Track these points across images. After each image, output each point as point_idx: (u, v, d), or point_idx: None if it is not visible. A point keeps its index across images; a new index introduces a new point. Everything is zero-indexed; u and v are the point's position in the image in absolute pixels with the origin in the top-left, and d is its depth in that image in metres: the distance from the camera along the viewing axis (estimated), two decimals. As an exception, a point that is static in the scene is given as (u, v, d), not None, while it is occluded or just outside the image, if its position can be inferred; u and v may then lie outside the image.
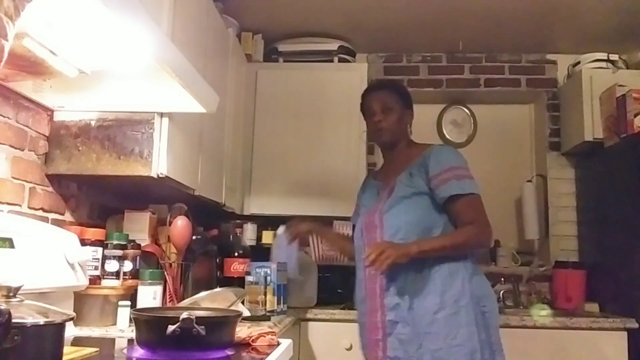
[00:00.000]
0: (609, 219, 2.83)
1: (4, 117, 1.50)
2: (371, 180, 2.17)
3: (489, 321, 1.85)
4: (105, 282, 1.70)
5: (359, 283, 1.99)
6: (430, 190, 1.87)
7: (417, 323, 1.80)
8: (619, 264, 2.70)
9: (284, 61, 3.17)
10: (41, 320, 0.85)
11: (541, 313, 2.71)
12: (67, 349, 1.10)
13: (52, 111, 1.72)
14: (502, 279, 3.12)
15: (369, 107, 2.04)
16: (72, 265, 1.49)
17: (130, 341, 1.45)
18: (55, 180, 1.75)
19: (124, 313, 1.61)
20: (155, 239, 2.00)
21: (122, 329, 1.61)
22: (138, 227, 1.96)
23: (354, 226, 2.13)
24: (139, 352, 1.24)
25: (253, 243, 2.83)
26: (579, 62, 3.15)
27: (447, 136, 3.57)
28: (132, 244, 1.82)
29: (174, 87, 1.43)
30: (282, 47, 3.17)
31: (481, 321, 1.81)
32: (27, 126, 1.61)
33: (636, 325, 2.46)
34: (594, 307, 2.77)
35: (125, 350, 1.39)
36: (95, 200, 1.99)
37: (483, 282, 1.92)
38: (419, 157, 1.94)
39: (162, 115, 1.73)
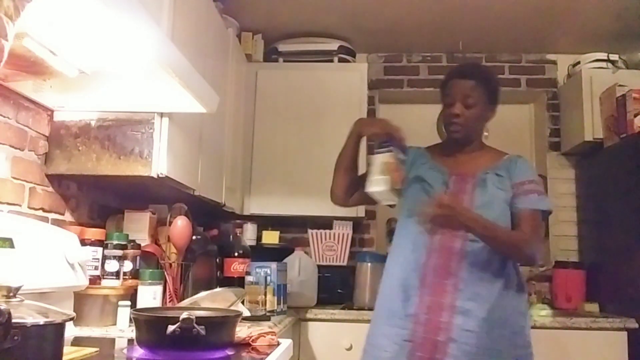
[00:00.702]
0: (609, 219, 2.83)
1: (4, 117, 1.50)
2: (427, 157, 1.93)
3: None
4: (105, 282, 1.70)
5: (415, 268, 1.75)
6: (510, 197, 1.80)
7: (484, 336, 1.66)
8: (619, 264, 2.69)
9: (284, 61, 3.16)
10: (41, 320, 0.85)
11: (541, 313, 2.70)
12: (67, 349, 1.10)
13: (52, 111, 1.72)
14: (502, 279, 3.12)
15: (449, 94, 1.85)
16: (72, 265, 1.49)
17: (130, 341, 1.45)
18: (55, 180, 1.75)
19: (124, 313, 1.61)
20: (155, 239, 2.00)
21: (122, 329, 1.61)
22: (138, 227, 1.96)
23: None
24: (139, 352, 1.24)
25: (253, 243, 2.83)
26: (579, 62, 3.15)
27: (440, 135, 3.57)
28: (132, 244, 1.82)
29: (174, 87, 1.43)
30: (282, 47, 3.17)
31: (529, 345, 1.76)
32: (27, 126, 1.61)
33: (636, 325, 2.46)
34: (594, 307, 2.76)
35: (125, 350, 1.39)
36: (95, 200, 1.99)
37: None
38: (503, 161, 1.86)
39: (162, 115, 1.73)
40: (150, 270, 1.80)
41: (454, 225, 1.64)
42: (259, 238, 2.90)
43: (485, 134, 1.98)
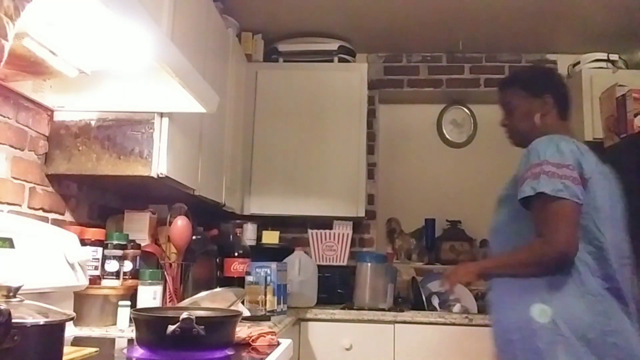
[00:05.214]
0: (609, 219, 2.82)
1: (4, 117, 1.50)
2: None
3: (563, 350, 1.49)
4: (105, 282, 1.70)
5: None
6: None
7: (497, 339, 1.64)
8: (619, 264, 2.69)
9: (284, 61, 3.17)
10: (41, 320, 0.85)
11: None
12: (67, 349, 1.10)
13: (52, 111, 1.72)
14: (502, 279, 3.12)
15: (499, 107, 1.91)
16: (72, 265, 1.49)
17: (130, 341, 1.45)
18: (55, 180, 1.75)
19: (124, 313, 1.61)
20: (155, 239, 2.00)
21: (122, 329, 1.61)
22: (138, 227, 1.96)
23: None
24: (139, 352, 1.24)
25: (253, 243, 2.82)
26: (579, 62, 3.15)
27: (447, 136, 3.57)
28: (132, 244, 1.82)
29: (174, 87, 1.43)
30: (282, 47, 3.17)
31: (571, 353, 1.48)
32: (27, 126, 1.61)
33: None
34: (594, 307, 2.76)
35: (125, 350, 1.39)
36: (95, 200, 1.99)
37: (584, 303, 1.51)
38: None
39: (162, 115, 1.73)
40: (150, 270, 1.80)
41: (467, 278, 1.75)
42: (259, 238, 2.90)
43: None
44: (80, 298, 1.60)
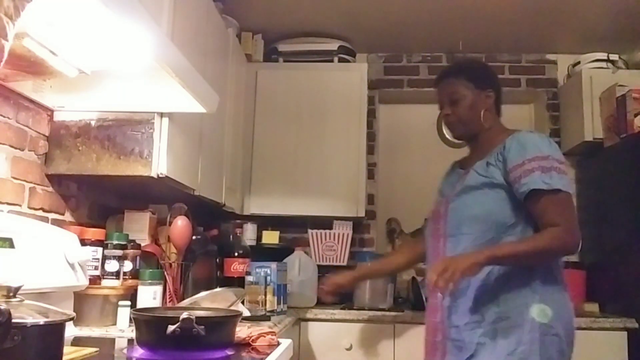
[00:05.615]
0: (609, 219, 2.83)
1: (4, 117, 1.51)
2: (456, 168, 1.94)
3: (555, 347, 1.60)
4: (105, 282, 1.70)
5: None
6: (508, 184, 1.63)
7: (470, 330, 1.63)
8: (619, 264, 2.69)
9: (284, 61, 3.16)
10: (41, 320, 0.85)
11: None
12: (67, 349, 1.10)
13: (52, 111, 1.72)
14: (502, 279, 3.12)
15: (438, 100, 1.89)
16: (72, 265, 1.49)
17: (130, 341, 1.45)
18: (55, 180, 1.75)
19: (124, 313, 1.61)
20: (155, 239, 2.00)
21: (122, 329, 1.61)
22: (138, 227, 1.96)
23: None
24: (139, 352, 1.24)
25: (253, 243, 2.83)
26: (579, 62, 3.15)
27: (447, 136, 3.56)
28: (132, 244, 1.82)
29: (174, 87, 1.44)
30: (282, 47, 3.17)
31: (549, 345, 1.59)
32: (27, 126, 1.61)
33: (636, 325, 2.46)
34: (594, 307, 2.76)
35: (125, 350, 1.39)
36: (95, 200, 1.99)
37: (559, 297, 1.65)
38: (501, 145, 1.69)
39: (162, 115, 1.73)
40: (150, 270, 1.80)
41: (471, 271, 1.52)
42: (259, 238, 2.90)
43: None
44: (80, 298, 1.60)
